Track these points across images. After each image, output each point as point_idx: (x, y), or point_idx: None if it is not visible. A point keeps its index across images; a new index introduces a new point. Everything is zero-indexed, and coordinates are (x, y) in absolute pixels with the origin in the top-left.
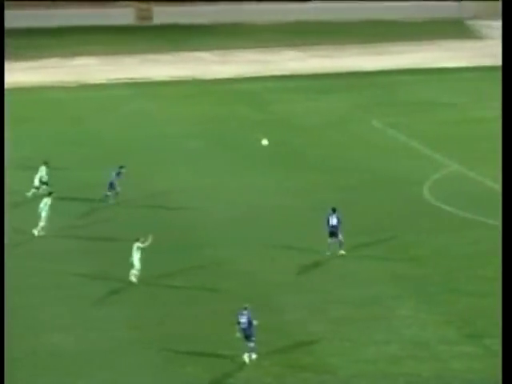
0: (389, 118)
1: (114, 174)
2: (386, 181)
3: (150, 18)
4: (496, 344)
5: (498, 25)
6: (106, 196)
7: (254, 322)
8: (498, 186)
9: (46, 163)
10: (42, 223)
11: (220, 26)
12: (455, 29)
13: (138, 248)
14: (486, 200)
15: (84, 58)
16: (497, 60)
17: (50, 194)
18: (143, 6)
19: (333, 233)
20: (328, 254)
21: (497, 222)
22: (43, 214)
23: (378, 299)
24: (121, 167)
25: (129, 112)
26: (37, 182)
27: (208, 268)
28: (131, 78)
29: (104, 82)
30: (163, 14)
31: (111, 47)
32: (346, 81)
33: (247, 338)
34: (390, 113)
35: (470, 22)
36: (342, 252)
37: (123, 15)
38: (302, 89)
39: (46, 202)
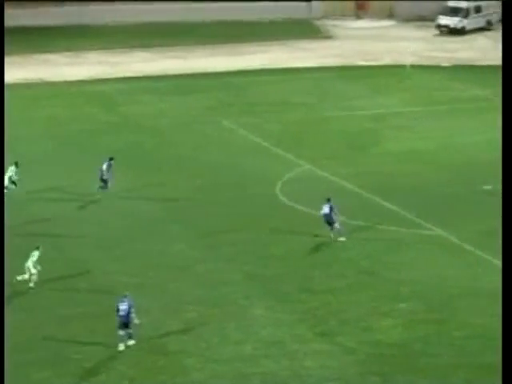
0: (241, 119)
1: (105, 166)
2: (239, 181)
3: None
4: (349, 341)
5: (346, 25)
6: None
7: (136, 321)
8: (349, 184)
9: (16, 163)
10: None
11: (68, 27)
12: (305, 29)
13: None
14: (337, 198)
15: None
16: (346, 59)
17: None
18: None
19: (327, 222)
20: (341, 239)
21: (352, 220)
22: None
23: (231, 299)
24: (110, 159)
25: None
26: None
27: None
28: None
29: None
30: (9, 17)
31: None
32: (198, 82)
33: (125, 325)
34: (241, 113)
35: (318, 22)
36: (342, 239)
37: None
38: (154, 90)
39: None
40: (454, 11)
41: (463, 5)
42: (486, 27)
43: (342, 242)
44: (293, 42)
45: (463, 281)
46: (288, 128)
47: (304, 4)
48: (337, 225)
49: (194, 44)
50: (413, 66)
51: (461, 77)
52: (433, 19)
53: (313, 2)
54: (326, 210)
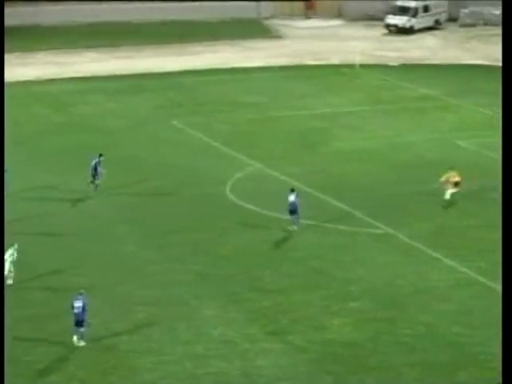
0: (190, 119)
1: (94, 162)
2: (190, 181)
3: None
4: (300, 340)
5: (295, 24)
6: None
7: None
8: (299, 184)
9: None
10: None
11: (18, 27)
12: (254, 29)
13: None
14: (285, 198)
15: None
16: (295, 59)
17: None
18: None
19: (291, 211)
20: (294, 228)
21: (302, 220)
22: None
23: (182, 299)
24: (100, 155)
25: None
26: None
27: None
28: None
29: None
30: None
31: None
32: (147, 82)
33: (79, 323)
34: (191, 113)
35: (268, 22)
36: (295, 228)
37: None
38: (103, 90)
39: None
40: (403, 10)
41: (412, 4)
42: (435, 26)
43: (293, 236)
44: (242, 41)
45: (413, 279)
46: (238, 128)
47: (253, 4)
48: (297, 216)
49: (143, 44)
50: (362, 66)
51: (409, 76)
52: (381, 18)
53: (262, 2)
54: (292, 198)
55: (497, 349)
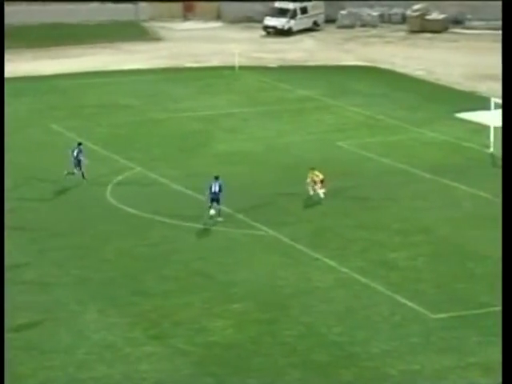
0: (69, 122)
1: (76, 152)
2: (69, 184)
3: None
4: (182, 343)
5: (174, 26)
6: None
7: None
8: (179, 186)
9: None
10: None
11: None
12: (133, 31)
13: None
14: (167, 200)
15: None
16: (174, 61)
17: None
18: None
19: (214, 199)
20: (211, 219)
21: (183, 222)
22: None
23: (62, 304)
24: (79, 144)
25: None
26: None
27: None
28: None
29: None
30: None
31: None
32: (25, 85)
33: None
34: (70, 116)
35: (146, 24)
36: (220, 219)
37: None
38: None
39: None
40: (281, 12)
41: (290, 6)
42: (313, 28)
43: (175, 238)
44: (121, 44)
45: (294, 280)
46: (117, 131)
47: (132, 6)
48: (219, 205)
49: (20, 47)
50: (241, 68)
51: (288, 77)
52: (260, 20)
53: (140, 4)
54: (216, 188)
55: (377, 348)
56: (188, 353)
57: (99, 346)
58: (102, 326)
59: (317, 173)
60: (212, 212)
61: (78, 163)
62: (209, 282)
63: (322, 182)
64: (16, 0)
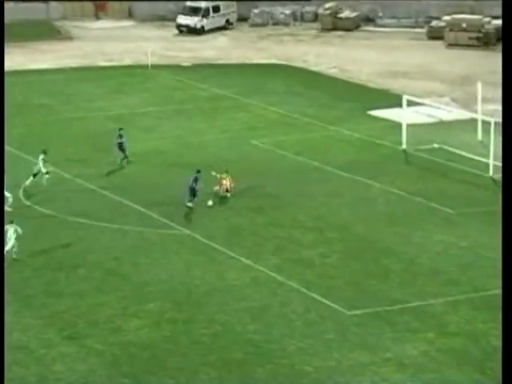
0: None
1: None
2: None
3: None
4: (97, 343)
5: (86, 25)
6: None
7: None
8: (93, 186)
9: None
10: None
11: None
12: (44, 30)
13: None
14: (82, 200)
15: None
16: (86, 60)
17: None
18: None
19: (191, 192)
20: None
21: (97, 222)
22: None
23: None
24: (120, 129)
25: None
26: None
27: None
28: None
29: None
30: None
31: None
32: None
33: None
34: None
35: (58, 23)
36: (210, 203)
37: None
38: None
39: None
40: (193, 11)
41: (202, 4)
42: (226, 26)
43: (89, 238)
44: (32, 43)
45: (210, 279)
46: (30, 130)
47: (43, 5)
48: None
49: None
50: (154, 66)
51: (202, 76)
52: (173, 19)
53: (51, 3)
54: (195, 181)
55: (292, 345)
56: (103, 353)
57: (13, 347)
58: (16, 327)
59: (227, 177)
60: (189, 204)
61: (120, 146)
62: (123, 281)
63: (227, 190)
64: None
